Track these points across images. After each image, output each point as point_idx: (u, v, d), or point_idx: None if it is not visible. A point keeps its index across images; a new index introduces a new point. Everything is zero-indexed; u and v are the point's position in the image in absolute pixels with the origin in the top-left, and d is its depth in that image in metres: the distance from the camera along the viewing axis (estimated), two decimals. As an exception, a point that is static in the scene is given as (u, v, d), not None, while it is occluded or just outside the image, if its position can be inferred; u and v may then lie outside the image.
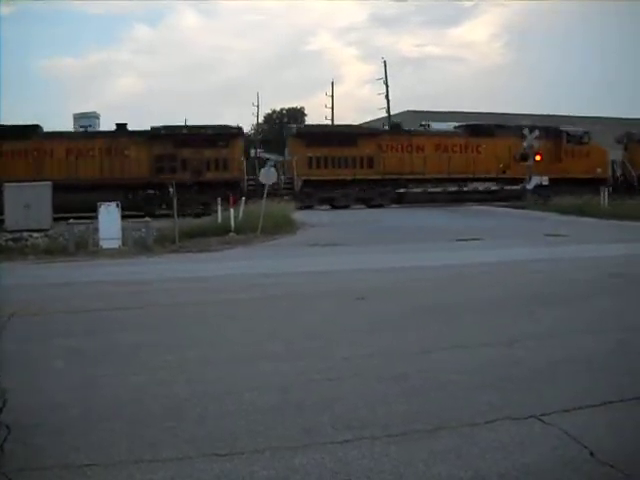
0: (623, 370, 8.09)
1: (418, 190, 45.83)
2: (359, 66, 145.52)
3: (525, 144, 45.48)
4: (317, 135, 45.63)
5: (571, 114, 76.56)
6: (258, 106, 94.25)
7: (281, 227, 29.11)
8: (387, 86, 72.27)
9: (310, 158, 44.34)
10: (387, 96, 72.29)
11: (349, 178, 44.51)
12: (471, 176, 47.15)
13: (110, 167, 40.65)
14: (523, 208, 42.04)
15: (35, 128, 40.67)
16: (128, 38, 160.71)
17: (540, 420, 6.29)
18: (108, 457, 5.58)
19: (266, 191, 29.94)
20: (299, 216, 33.12)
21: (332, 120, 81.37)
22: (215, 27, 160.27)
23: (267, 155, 32.65)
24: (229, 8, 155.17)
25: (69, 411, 6.78)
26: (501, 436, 5.93)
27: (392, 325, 10.86)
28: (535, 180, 45.48)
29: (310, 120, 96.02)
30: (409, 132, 48.47)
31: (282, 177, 42.46)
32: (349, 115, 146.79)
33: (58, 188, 31.48)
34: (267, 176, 30.61)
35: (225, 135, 42.78)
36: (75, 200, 33.66)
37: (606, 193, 40.64)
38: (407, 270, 17.66)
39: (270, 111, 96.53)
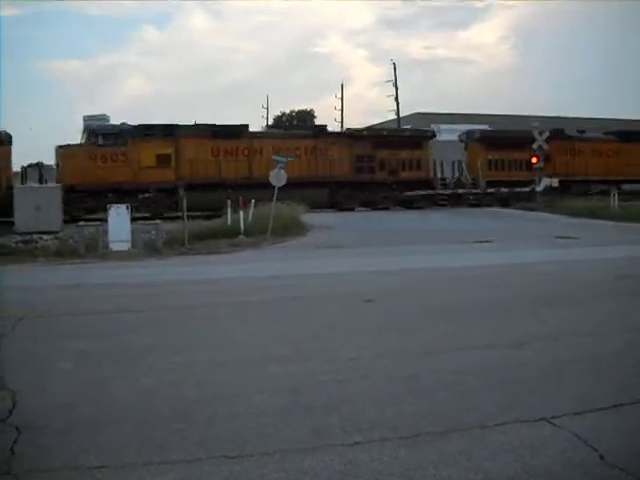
0: (632, 372, 8.06)
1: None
2: (368, 68, 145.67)
3: (534, 146, 45.34)
4: (496, 139, 47.87)
5: (579, 115, 76.58)
6: (267, 108, 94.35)
7: (291, 229, 29.09)
8: (396, 88, 72.34)
9: (489, 160, 47.24)
10: (396, 98, 72.35)
11: (523, 179, 46.39)
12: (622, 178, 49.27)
13: (315, 166, 42.58)
14: (532, 210, 41.94)
15: (246, 128, 42.93)
16: (136, 40, 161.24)
17: (550, 422, 6.28)
18: (117, 459, 5.58)
19: (276, 193, 29.92)
20: (308, 218, 33.10)
21: (342, 123, 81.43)
22: (223, 29, 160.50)
23: (277, 157, 32.54)
24: (237, 9, 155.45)
25: (78, 413, 6.79)
26: (511, 439, 5.92)
27: (401, 327, 10.85)
28: (545, 182, 45.35)
29: (319, 122, 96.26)
30: (571, 137, 50.71)
31: (468, 177, 46.27)
32: (358, 117, 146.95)
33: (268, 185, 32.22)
34: (277, 178, 30.59)
35: (418, 138, 45.90)
36: (283, 197, 34.19)
37: (616, 196, 40.44)
38: (416, 272, 17.63)
39: (280, 113, 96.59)
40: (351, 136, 44.51)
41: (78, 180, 36.80)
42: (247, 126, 43.22)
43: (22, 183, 37.22)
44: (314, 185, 40.48)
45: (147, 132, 39.83)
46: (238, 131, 41.88)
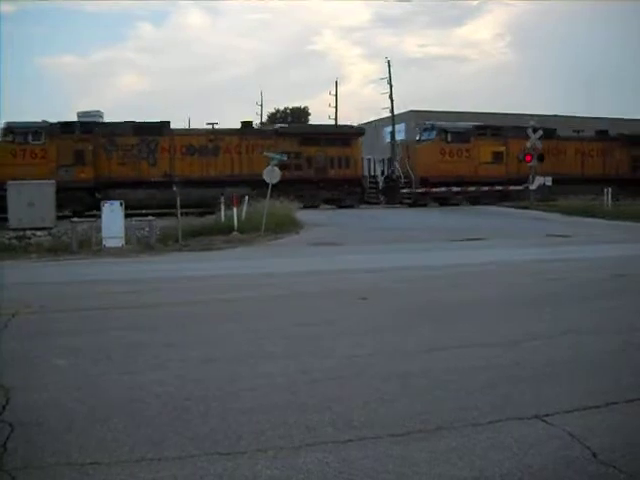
0: (626, 371, 8.08)
1: None
2: (363, 66, 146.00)
3: (528, 144, 45.39)
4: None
5: (575, 114, 76.72)
6: (262, 105, 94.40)
7: (284, 226, 29.11)
8: (391, 86, 72.12)
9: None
10: (391, 96, 72.14)
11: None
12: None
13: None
14: (526, 208, 42.03)
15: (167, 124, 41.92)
16: (132, 36, 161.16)
17: (543, 421, 6.29)
18: (110, 455, 5.57)
19: (270, 190, 29.91)
20: (302, 215, 33.12)
21: (336, 120, 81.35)
22: (219, 26, 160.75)
23: (270, 154, 32.58)
24: (233, 7, 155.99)
25: (71, 409, 6.78)
26: (504, 436, 5.93)
27: (394, 325, 10.85)
28: (538, 180, 45.41)
29: (314, 119, 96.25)
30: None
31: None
32: (353, 115, 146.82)
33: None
34: (271, 175, 30.59)
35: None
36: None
37: (610, 194, 40.56)
38: (408, 270, 17.65)
39: (274, 110, 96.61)
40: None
41: None
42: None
43: None
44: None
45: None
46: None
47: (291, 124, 48.46)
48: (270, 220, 28.13)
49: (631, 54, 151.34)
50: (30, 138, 38.30)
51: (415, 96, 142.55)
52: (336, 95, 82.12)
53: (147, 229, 25.89)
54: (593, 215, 36.22)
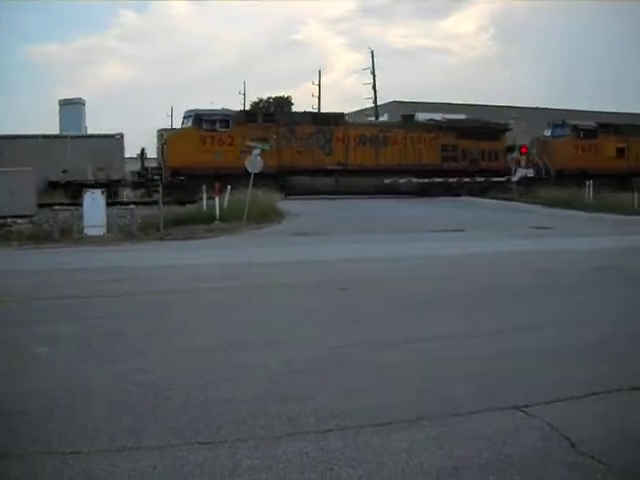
0: (606, 362, 8.14)
1: None
2: (347, 56, 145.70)
3: (512, 137, 45.59)
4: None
5: (560, 107, 76.86)
6: (245, 95, 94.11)
7: (266, 216, 29.08)
8: (374, 76, 72.28)
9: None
10: (374, 86, 72.28)
11: None
12: None
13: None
14: (509, 200, 42.16)
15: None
16: (115, 24, 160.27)
17: (523, 411, 6.32)
18: (91, 444, 5.56)
19: (252, 180, 29.85)
20: (284, 205, 33.11)
21: (319, 109, 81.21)
22: (203, 15, 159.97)
23: (252, 143, 32.50)
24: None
25: (52, 398, 6.76)
26: (484, 427, 5.96)
27: (376, 315, 10.88)
28: (520, 172, 45.59)
29: (297, 109, 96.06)
30: None
31: None
32: (336, 105, 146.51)
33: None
34: (253, 165, 30.55)
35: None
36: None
37: (591, 186, 40.74)
38: (390, 261, 17.69)
39: (257, 100, 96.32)
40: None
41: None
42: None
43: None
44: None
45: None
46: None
47: (450, 119, 49.95)
48: (253, 210, 28.07)
49: (614, 47, 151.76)
50: (218, 126, 40.86)
51: (398, 87, 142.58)
52: (319, 85, 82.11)
53: (128, 217, 25.80)
54: (575, 207, 36.38)
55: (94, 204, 25.19)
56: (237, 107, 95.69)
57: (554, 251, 19.81)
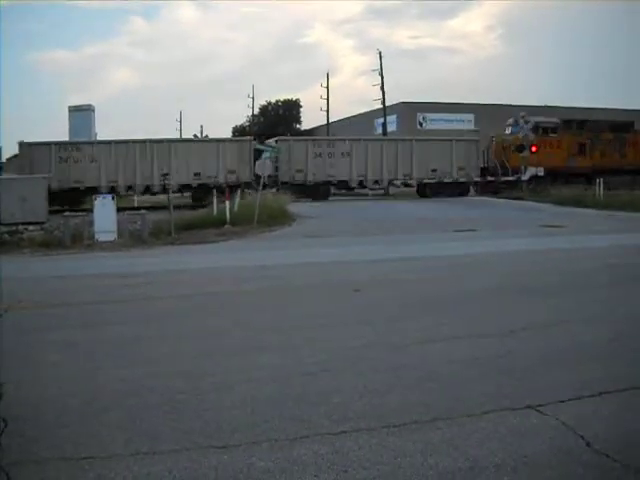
0: (620, 360, 8.12)
1: None
2: (355, 58, 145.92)
3: (520, 135, 45.48)
4: None
5: (566, 105, 76.67)
6: (253, 98, 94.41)
7: (277, 219, 29.08)
8: (382, 77, 72.07)
9: None
10: (382, 87, 72.07)
11: None
12: None
13: None
14: (520, 199, 42.05)
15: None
16: (124, 31, 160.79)
17: (537, 410, 6.31)
18: (105, 450, 5.58)
19: (262, 182, 29.89)
20: (295, 208, 33.11)
21: (327, 112, 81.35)
22: (211, 20, 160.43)
23: (262, 147, 32.60)
24: (224, 1, 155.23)
25: (66, 404, 6.78)
26: (498, 427, 5.94)
27: (388, 316, 10.86)
28: (530, 171, 45.50)
29: (305, 111, 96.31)
30: None
31: None
32: (344, 106, 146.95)
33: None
34: (262, 168, 30.58)
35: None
36: None
37: (602, 184, 40.62)
38: (403, 261, 17.66)
39: (266, 103, 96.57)
40: None
41: None
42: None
43: None
44: None
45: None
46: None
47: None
48: (263, 213, 28.08)
49: (623, 45, 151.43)
50: (549, 132, 48.56)
51: (406, 88, 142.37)
52: (327, 87, 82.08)
53: (139, 223, 25.83)
54: (585, 205, 36.25)
55: (105, 210, 25.23)
56: (245, 111, 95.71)
57: (565, 249, 19.73)
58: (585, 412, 6.32)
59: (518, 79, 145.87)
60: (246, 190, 40.49)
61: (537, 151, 46.75)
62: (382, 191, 49.76)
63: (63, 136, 48.19)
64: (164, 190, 38.99)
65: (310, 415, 6.31)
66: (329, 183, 45.72)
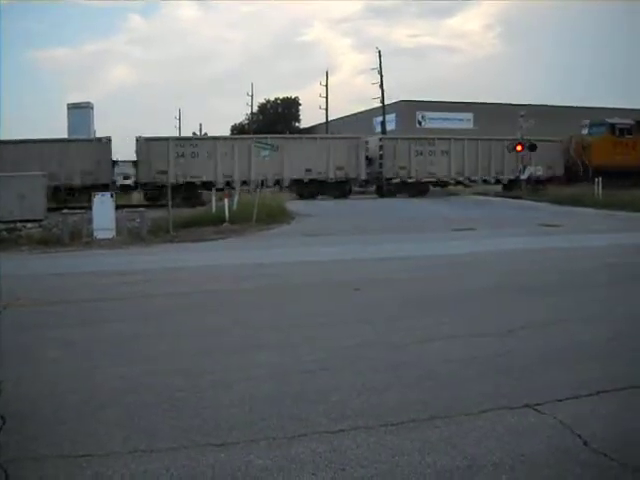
0: (618, 359, 8.12)
1: None
2: (354, 56, 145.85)
3: (518, 135, 45.47)
4: None
5: (565, 104, 76.81)
6: (252, 96, 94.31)
7: (275, 217, 29.09)
8: (381, 76, 72.14)
9: None
10: (381, 86, 72.15)
11: None
12: None
13: None
14: (519, 198, 42.10)
15: None
16: (123, 29, 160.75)
17: (535, 409, 6.32)
18: (103, 447, 5.58)
19: (260, 181, 29.86)
20: (293, 206, 33.11)
21: (326, 110, 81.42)
22: (210, 18, 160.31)
23: (259, 146, 32.60)
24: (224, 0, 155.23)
25: (64, 401, 6.78)
26: (496, 425, 5.95)
27: (387, 315, 10.86)
28: (529, 170, 45.50)
29: (304, 110, 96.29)
30: None
31: None
32: (343, 105, 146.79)
33: None
34: (264, 165, 30.57)
35: None
36: None
37: (600, 183, 40.60)
38: (401, 260, 17.67)
39: (264, 101, 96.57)
40: None
41: None
42: None
43: None
44: None
45: None
46: None
47: None
48: (261, 212, 28.07)
49: (621, 45, 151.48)
50: (625, 133, 49.63)
51: (405, 87, 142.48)
52: (326, 86, 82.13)
53: (138, 220, 25.83)
54: (583, 204, 36.26)
55: (103, 207, 25.23)
56: (244, 109, 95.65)
57: (564, 248, 19.75)
58: (583, 411, 6.32)
59: (517, 78, 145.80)
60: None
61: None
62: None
63: (62, 133, 48.15)
64: (277, 183, 43.14)
65: (308, 413, 6.32)
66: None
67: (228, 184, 40.30)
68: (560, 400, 6.59)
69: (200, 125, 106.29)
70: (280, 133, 56.20)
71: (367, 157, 44.72)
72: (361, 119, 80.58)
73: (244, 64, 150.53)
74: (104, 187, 35.82)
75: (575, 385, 7.04)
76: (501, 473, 5.06)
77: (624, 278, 14.30)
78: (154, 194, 40.26)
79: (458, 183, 47.87)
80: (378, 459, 5.29)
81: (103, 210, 25.09)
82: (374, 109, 76.19)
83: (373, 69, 73.42)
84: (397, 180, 45.50)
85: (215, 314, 11.26)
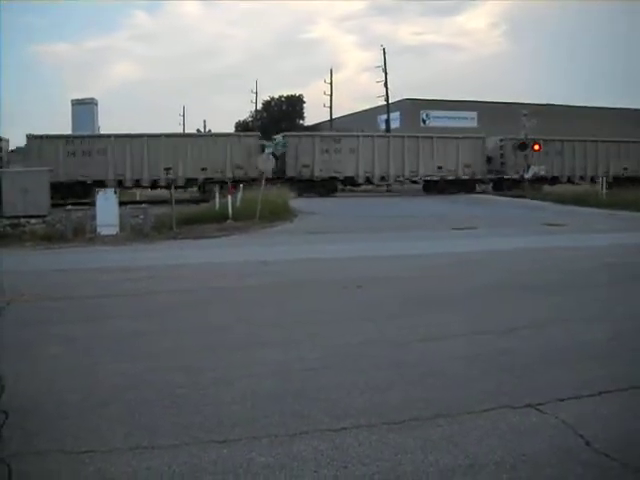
0: (619, 359, 8.12)
1: None
2: (358, 54, 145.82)
3: (523, 133, 45.47)
4: None
5: (568, 103, 76.69)
6: (257, 94, 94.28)
7: (279, 215, 29.06)
8: (386, 74, 72.04)
9: None
10: (386, 84, 72.06)
11: None
12: None
13: None
14: (522, 197, 42.05)
15: None
16: (126, 25, 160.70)
17: (537, 409, 6.32)
18: (105, 443, 5.59)
19: (264, 178, 29.87)
20: (297, 204, 33.09)
21: (330, 108, 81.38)
22: (213, 15, 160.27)
23: (265, 142, 32.63)
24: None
25: (66, 397, 6.79)
26: (498, 424, 5.95)
27: (389, 313, 10.86)
28: (533, 170, 45.50)
29: (308, 107, 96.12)
30: None
31: None
32: (348, 103, 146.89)
33: None
34: (266, 164, 30.57)
35: None
36: None
37: (604, 183, 40.60)
38: (403, 258, 17.66)
39: (269, 98, 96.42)
40: None
41: None
42: None
43: None
44: None
45: None
46: None
47: None
48: (265, 209, 28.05)
49: (629, 44, 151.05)
50: None
51: (410, 85, 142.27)
52: (331, 83, 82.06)
53: (142, 217, 25.84)
54: (587, 204, 36.22)
55: (107, 203, 25.23)
56: (248, 106, 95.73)
57: (566, 247, 19.74)
58: (585, 411, 6.32)
59: (521, 77, 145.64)
60: None
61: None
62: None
63: (65, 129, 48.25)
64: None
65: (310, 411, 6.32)
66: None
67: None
68: (562, 400, 6.59)
69: (204, 122, 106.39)
70: (285, 131, 56.10)
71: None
72: (365, 117, 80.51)
73: (248, 61, 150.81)
74: None
75: (577, 385, 7.04)
76: (502, 472, 5.06)
77: (625, 278, 14.28)
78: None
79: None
80: (380, 457, 5.29)
81: (107, 206, 25.09)
82: (378, 107, 76.09)
83: (377, 67, 73.35)
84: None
85: (218, 311, 11.26)
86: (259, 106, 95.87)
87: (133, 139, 42.68)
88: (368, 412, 6.28)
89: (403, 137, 48.71)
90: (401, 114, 76.32)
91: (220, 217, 27.64)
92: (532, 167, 45.38)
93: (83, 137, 43.58)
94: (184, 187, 43.82)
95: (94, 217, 25.02)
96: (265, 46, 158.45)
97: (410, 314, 10.82)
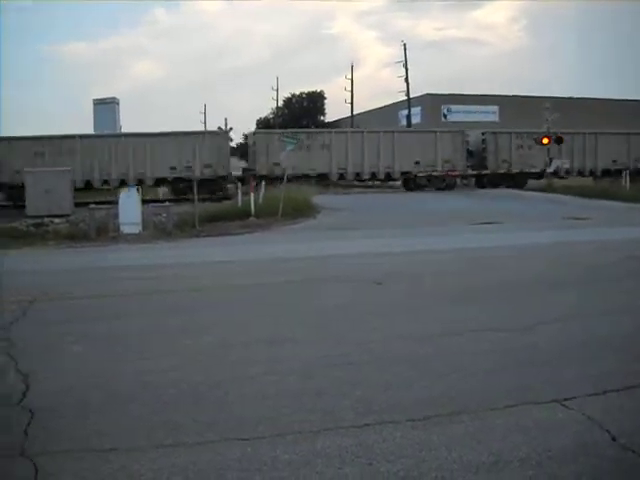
0: (643, 354, 8.06)
1: None
2: (379, 49, 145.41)
3: (545, 127, 45.20)
4: None
5: (590, 96, 76.20)
6: (277, 90, 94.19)
7: (302, 211, 29.05)
8: (407, 69, 71.89)
9: None
10: (407, 79, 71.90)
11: None
12: None
13: None
14: (544, 191, 41.82)
15: None
16: (146, 22, 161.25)
17: (562, 405, 6.27)
18: (129, 441, 5.61)
19: (286, 174, 29.87)
20: (320, 200, 33.06)
21: (351, 104, 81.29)
22: (233, 11, 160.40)
23: (286, 139, 32.61)
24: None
25: (90, 395, 6.81)
26: (523, 420, 5.92)
27: (411, 309, 10.84)
28: (555, 163, 45.23)
29: (329, 104, 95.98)
30: None
31: None
32: (369, 99, 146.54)
33: None
34: (286, 159, 30.58)
35: None
36: None
37: (628, 177, 40.31)
38: (426, 254, 17.61)
39: (290, 95, 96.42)
40: None
41: None
42: None
43: None
44: None
45: None
46: None
47: None
48: (287, 205, 28.05)
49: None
50: None
51: (431, 80, 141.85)
52: (352, 79, 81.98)
53: (164, 215, 25.93)
54: (611, 198, 35.95)
55: (130, 202, 25.33)
56: (269, 103, 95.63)
57: (590, 241, 19.60)
58: (611, 407, 6.27)
59: (542, 70, 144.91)
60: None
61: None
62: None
63: (87, 129, 48.50)
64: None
65: (334, 408, 6.31)
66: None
67: (342, 177, 45.13)
68: (588, 395, 6.54)
69: (225, 120, 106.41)
70: (305, 127, 56.05)
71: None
72: (386, 112, 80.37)
73: (268, 58, 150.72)
74: None
75: (602, 380, 6.99)
76: (528, 469, 5.03)
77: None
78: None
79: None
80: (405, 454, 5.27)
81: (129, 205, 25.20)
82: (399, 102, 75.96)
83: (398, 62, 73.23)
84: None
85: (241, 308, 11.26)
86: (280, 103, 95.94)
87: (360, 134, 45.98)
88: (391, 408, 6.26)
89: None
90: (422, 109, 76.10)
91: (243, 215, 27.68)
92: (555, 161, 45.10)
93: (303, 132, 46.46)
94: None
95: (117, 216, 25.12)
96: (286, 42, 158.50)
97: (433, 310, 10.77)
